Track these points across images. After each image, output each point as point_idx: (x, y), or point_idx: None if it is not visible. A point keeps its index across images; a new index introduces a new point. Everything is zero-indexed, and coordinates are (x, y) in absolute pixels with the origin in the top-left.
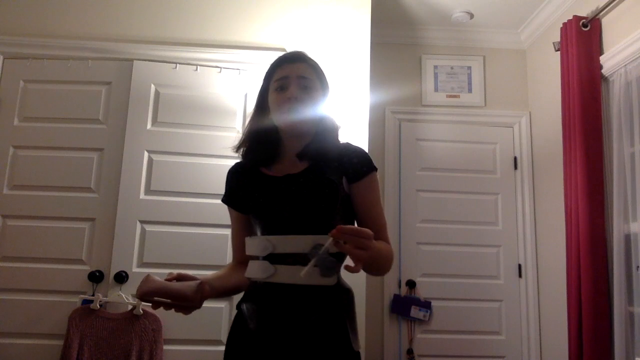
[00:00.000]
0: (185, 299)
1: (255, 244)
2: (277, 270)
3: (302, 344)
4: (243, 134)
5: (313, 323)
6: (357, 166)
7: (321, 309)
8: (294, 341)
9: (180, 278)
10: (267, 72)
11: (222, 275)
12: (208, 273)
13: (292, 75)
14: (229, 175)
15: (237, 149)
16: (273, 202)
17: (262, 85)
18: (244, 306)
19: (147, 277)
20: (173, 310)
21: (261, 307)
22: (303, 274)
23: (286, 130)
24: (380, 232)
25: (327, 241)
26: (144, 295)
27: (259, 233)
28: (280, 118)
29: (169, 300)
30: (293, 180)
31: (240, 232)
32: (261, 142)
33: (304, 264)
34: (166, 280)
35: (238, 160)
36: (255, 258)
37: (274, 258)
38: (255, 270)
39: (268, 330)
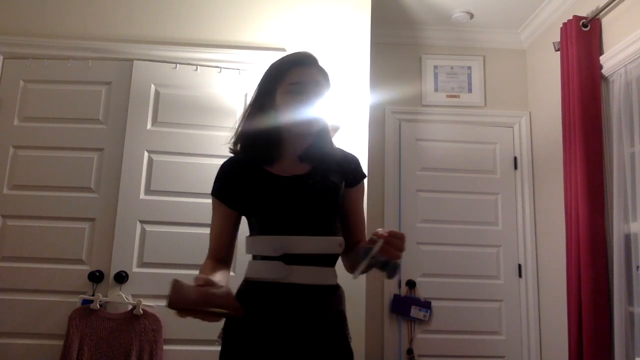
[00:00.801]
0: (237, 308)
1: (265, 244)
2: (292, 271)
3: (321, 341)
4: (241, 130)
5: (329, 321)
6: (355, 172)
7: (334, 307)
8: (313, 339)
9: (207, 284)
10: (276, 71)
11: (218, 275)
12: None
13: (309, 82)
14: (224, 171)
15: (235, 144)
16: (283, 202)
17: (268, 83)
18: (250, 306)
19: (182, 283)
20: (186, 317)
21: (275, 308)
22: (356, 276)
23: (296, 132)
24: (363, 233)
25: (378, 244)
26: (196, 305)
27: (256, 232)
28: (292, 121)
29: (225, 311)
30: (301, 181)
31: (227, 229)
32: (264, 140)
33: (317, 264)
34: (199, 286)
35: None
36: (260, 258)
37: (287, 258)
38: (267, 270)
39: (285, 330)
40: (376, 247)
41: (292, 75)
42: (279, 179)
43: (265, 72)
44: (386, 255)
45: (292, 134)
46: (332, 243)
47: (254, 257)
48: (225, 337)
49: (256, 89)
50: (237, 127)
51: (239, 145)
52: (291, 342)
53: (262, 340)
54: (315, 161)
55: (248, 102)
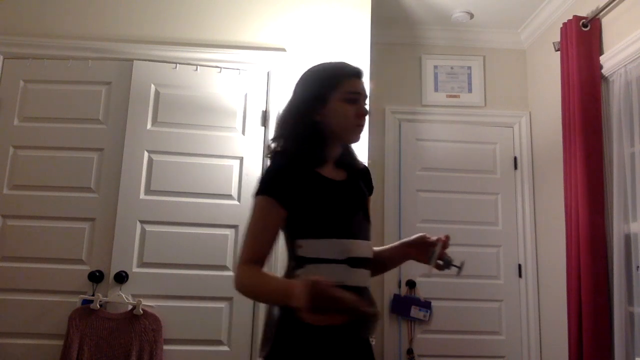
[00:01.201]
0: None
1: (332, 247)
2: (354, 274)
3: (366, 343)
4: (293, 131)
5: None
6: (370, 182)
7: (377, 309)
8: (365, 341)
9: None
10: (332, 77)
11: None
12: (208, 273)
13: (363, 94)
14: (284, 171)
15: (281, 144)
16: (346, 206)
17: (323, 88)
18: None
19: (321, 282)
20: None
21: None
22: (432, 271)
23: (346, 139)
24: None
25: (438, 247)
26: (350, 305)
27: (315, 236)
28: (347, 128)
29: (371, 311)
30: (350, 186)
31: (278, 232)
32: (319, 143)
33: (366, 267)
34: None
35: (282, 158)
36: (322, 261)
37: (350, 262)
38: (334, 273)
39: (350, 333)
40: (437, 250)
41: (350, 85)
42: (335, 183)
43: (315, 77)
44: (441, 256)
45: (338, 140)
46: (372, 247)
47: (312, 261)
48: (290, 344)
49: (302, 92)
50: (280, 127)
51: (278, 145)
52: (353, 344)
53: (331, 343)
54: (348, 168)
55: (248, 102)
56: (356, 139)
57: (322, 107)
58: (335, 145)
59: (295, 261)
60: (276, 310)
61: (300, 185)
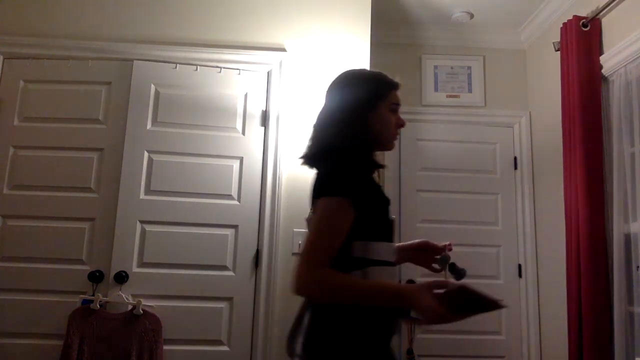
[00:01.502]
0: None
1: (387, 250)
2: (397, 275)
3: None
4: (354, 135)
5: None
6: None
7: None
8: None
9: None
10: (381, 88)
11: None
12: (208, 273)
13: (400, 105)
14: (357, 174)
15: (341, 145)
16: (389, 210)
17: (374, 98)
18: (385, 313)
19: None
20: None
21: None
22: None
23: (387, 147)
24: None
25: (446, 253)
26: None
27: (370, 238)
28: (388, 136)
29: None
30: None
31: (346, 235)
32: (370, 147)
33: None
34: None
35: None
36: (379, 263)
37: (395, 264)
38: (389, 275)
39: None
40: (448, 257)
41: (394, 96)
42: (380, 188)
43: (363, 84)
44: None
45: (377, 146)
46: None
47: (372, 263)
48: (377, 345)
49: (353, 96)
50: (331, 128)
51: (323, 146)
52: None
53: (386, 343)
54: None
55: (248, 102)
56: (392, 147)
57: (371, 113)
58: (374, 150)
59: (348, 262)
60: (308, 316)
61: (366, 188)
